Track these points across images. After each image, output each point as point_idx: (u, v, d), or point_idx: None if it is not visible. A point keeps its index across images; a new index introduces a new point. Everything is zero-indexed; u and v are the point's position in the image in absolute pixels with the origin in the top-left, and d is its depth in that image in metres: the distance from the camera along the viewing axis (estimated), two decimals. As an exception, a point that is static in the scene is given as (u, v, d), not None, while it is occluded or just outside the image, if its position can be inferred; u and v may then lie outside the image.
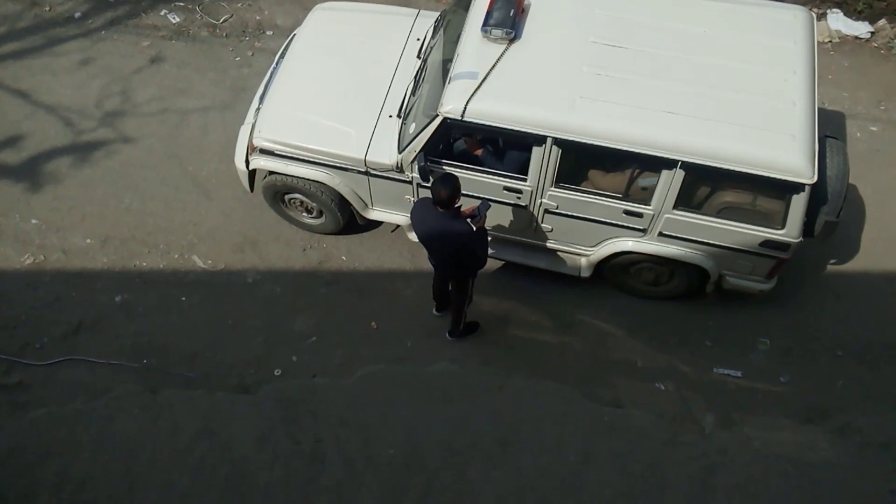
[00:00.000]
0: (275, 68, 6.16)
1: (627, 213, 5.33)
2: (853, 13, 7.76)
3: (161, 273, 6.27)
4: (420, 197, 5.54)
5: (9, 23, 7.56)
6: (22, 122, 6.96)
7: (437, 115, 5.04)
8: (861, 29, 7.67)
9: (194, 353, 5.88)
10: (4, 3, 7.67)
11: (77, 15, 7.67)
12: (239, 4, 7.85)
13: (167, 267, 6.30)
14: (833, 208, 5.12)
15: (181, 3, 7.81)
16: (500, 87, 4.98)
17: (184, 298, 6.15)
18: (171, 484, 5.18)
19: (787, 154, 4.76)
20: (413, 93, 5.61)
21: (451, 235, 4.83)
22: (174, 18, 7.70)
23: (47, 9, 7.68)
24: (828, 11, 7.78)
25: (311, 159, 5.65)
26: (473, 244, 4.93)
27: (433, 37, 5.85)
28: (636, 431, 5.47)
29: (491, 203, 5.13)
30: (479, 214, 4.87)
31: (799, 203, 4.94)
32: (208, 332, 5.98)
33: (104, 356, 5.82)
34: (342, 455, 5.31)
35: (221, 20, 7.71)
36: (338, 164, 5.63)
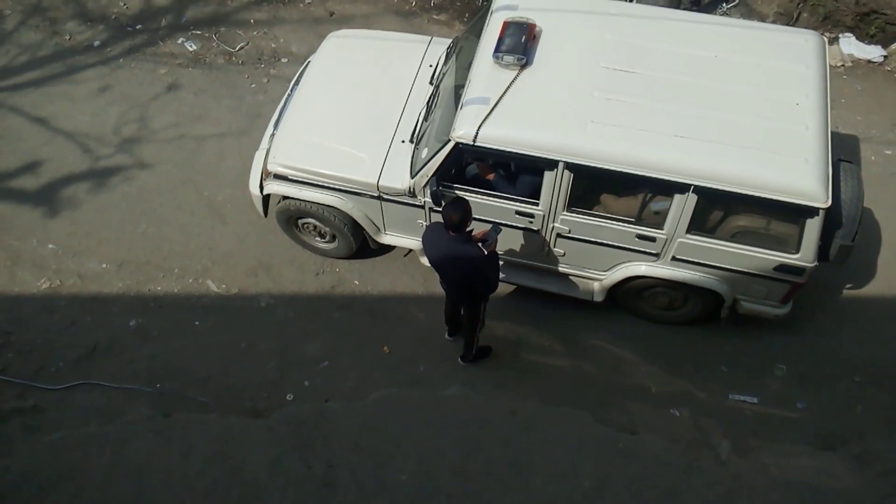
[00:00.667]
0: (289, 95, 6.23)
1: (640, 237, 5.32)
2: (865, 37, 7.75)
3: (175, 297, 6.31)
4: (432, 221, 5.56)
5: (30, 51, 7.71)
6: (41, 148, 7.07)
7: (450, 140, 5.06)
8: (874, 53, 7.67)
9: (207, 377, 5.90)
10: (26, 33, 7.83)
11: (96, 43, 7.80)
12: (255, 32, 7.97)
13: (181, 291, 6.34)
14: (848, 232, 5.08)
15: (198, 32, 7.93)
16: (511, 112, 5.00)
17: (198, 323, 6.18)
18: (182, 508, 5.18)
19: (801, 178, 4.74)
20: (425, 118, 5.65)
21: (462, 260, 4.84)
22: (191, 46, 7.82)
23: (67, 37, 7.83)
24: (840, 35, 7.79)
25: (325, 184, 5.69)
26: (485, 268, 4.93)
27: (445, 63, 5.91)
28: (651, 457, 5.42)
29: (502, 227, 5.14)
30: (490, 239, 4.88)
31: (813, 227, 4.91)
32: (221, 357, 6.00)
33: (118, 380, 5.84)
34: (354, 480, 5.28)
35: (237, 48, 7.83)
36: (351, 189, 5.67)
